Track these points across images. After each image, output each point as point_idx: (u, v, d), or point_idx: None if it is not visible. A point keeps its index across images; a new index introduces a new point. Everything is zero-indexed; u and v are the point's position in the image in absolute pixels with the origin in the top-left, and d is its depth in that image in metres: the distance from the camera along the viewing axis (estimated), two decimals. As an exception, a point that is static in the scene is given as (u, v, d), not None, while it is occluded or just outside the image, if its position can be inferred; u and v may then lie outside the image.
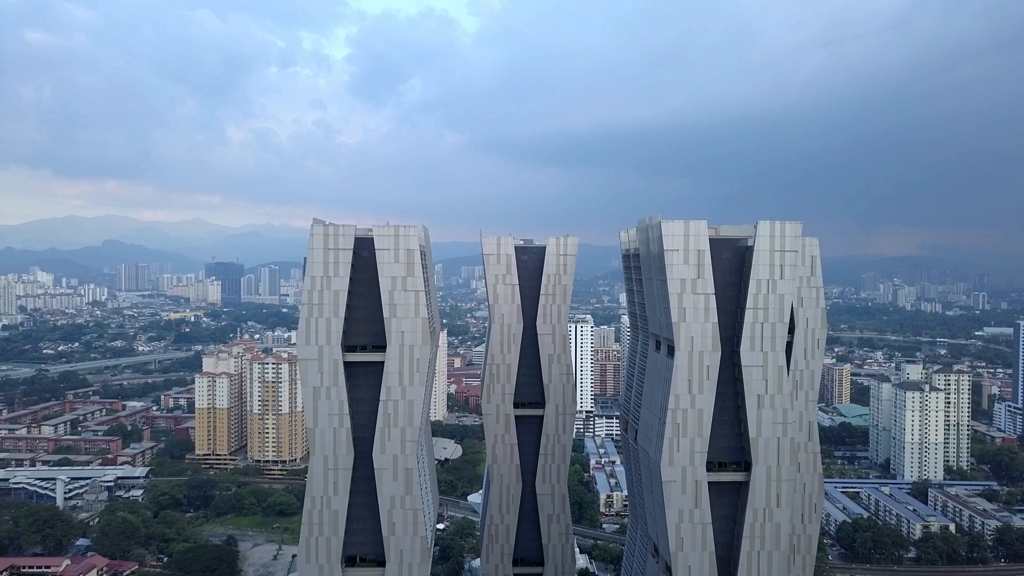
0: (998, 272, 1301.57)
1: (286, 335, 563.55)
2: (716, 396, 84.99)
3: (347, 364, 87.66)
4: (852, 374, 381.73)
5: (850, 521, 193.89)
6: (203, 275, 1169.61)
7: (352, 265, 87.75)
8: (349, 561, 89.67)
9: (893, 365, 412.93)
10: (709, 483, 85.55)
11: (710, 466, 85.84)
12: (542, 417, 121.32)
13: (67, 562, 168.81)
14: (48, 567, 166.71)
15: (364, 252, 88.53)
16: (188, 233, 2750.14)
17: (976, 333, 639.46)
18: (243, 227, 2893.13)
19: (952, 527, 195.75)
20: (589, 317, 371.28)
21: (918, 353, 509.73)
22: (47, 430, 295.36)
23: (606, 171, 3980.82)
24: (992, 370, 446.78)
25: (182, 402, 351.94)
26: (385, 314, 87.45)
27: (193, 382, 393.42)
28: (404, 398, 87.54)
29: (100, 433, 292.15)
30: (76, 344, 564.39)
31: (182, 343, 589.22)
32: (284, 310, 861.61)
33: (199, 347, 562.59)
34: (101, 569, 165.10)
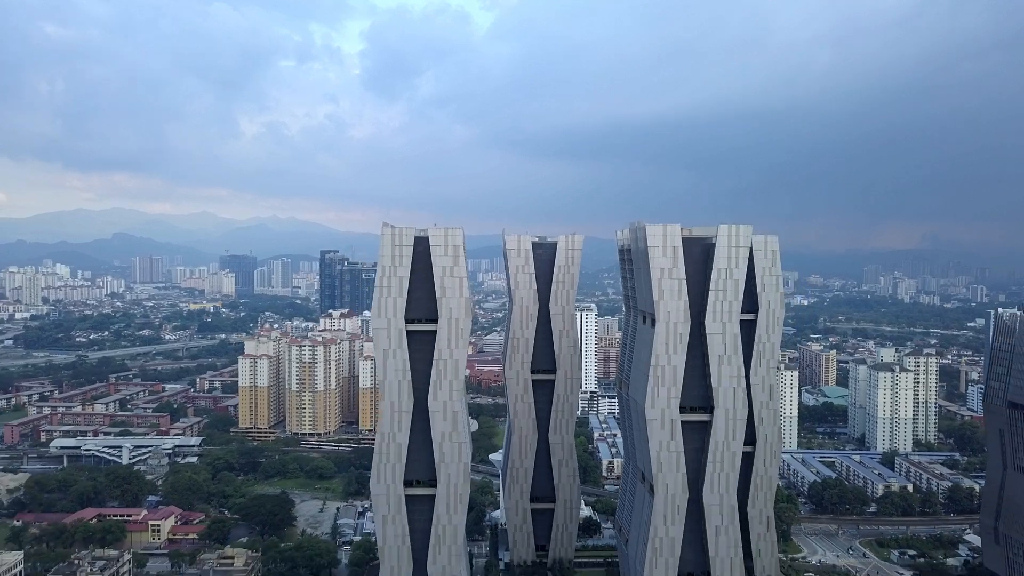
0: (1000, 266, 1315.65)
1: (304, 325, 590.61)
2: (687, 356, 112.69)
3: (408, 332, 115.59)
4: (839, 360, 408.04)
5: (820, 481, 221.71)
6: (217, 267, 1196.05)
7: (412, 257, 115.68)
8: (408, 483, 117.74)
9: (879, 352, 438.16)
10: (682, 422, 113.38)
11: (682, 409, 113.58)
12: (554, 381, 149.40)
13: (145, 511, 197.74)
14: (129, 515, 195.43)
15: (420, 248, 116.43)
16: (196, 226, 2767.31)
17: (968, 324, 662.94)
18: (249, 220, 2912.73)
19: (911, 487, 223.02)
20: (593, 306, 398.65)
21: (909, 342, 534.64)
22: (99, 407, 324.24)
23: (616, 165, 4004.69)
24: (977, 358, 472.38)
25: (216, 384, 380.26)
26: (437, 294, 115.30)
27: (223, 367, 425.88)
28: (451, 358, 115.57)
29: (149, 410, 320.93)
30: (106, 333, 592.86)
31: (206, 332, 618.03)
32: (297, 301, 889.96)
33: (222, 335, 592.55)
34: (177, 516, 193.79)
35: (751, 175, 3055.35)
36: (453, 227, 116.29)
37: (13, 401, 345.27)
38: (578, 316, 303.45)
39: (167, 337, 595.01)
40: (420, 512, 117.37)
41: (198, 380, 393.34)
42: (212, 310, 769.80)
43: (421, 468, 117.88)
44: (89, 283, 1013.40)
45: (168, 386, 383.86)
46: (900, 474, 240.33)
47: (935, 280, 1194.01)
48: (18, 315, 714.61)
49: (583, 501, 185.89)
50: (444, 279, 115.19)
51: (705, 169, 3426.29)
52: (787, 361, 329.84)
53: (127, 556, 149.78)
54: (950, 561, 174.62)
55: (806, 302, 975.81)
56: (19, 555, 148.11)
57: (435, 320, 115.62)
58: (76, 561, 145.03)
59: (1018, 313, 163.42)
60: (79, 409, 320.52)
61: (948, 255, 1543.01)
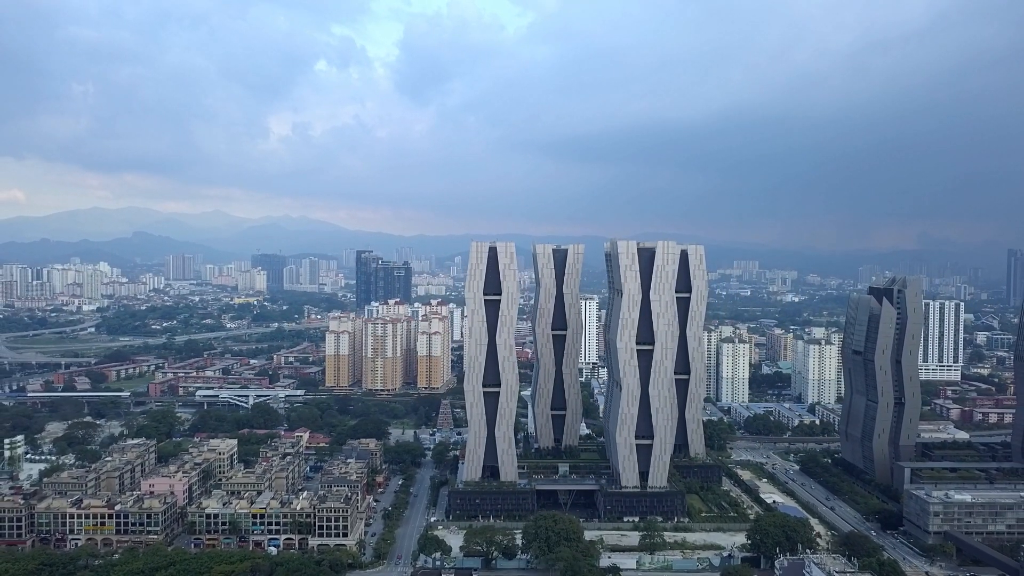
0: (994, 266, 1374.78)
1: (351, 315, 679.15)
2: (639, 314, 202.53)
3: (485, 300, 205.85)
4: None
5: (752, 416, 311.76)
6: (246, 265, 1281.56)
7: (487, 259, 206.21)
8: (485, 385, 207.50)
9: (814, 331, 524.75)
10: (637, 350, 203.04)
11: (638, 342, 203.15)
12: (565, 335, 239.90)
13: (283, 432, 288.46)
14: (271, 435, 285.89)
15: (491, 253, 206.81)
16: (208, 224, 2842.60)
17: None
18: (262, 219, 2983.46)
19: (818, 421, 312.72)
20: (595, 296, 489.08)
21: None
22: (209, 373, 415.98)
23: (641, 168, 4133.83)
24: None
25: (292, 359, 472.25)
26: (500, 279, 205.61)
27: (290, 347, 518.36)
28: (508, 314, 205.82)
29: (250, 375, 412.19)
30: (174, 321, 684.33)
31: (260, 321, 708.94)
32: (326, 296, 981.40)
33: (275, 324, 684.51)
34: (308, 433, 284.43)
35: (762, 180, 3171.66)
36: (510, 242, 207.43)
37: (136, 370, 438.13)
38: (583, 304, 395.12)
39: (228, 325, 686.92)
40: (491, 402, 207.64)
41: (275, 356, 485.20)
42: (257, 303, 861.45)
43: (492, 376, 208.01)
44: (129, 280, 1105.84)
45: (251, 361, 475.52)
46: (817, 416, 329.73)
47: (928, 279, 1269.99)
48: (85, 307, 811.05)
49: (584, 424, 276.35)
50: (504, 271, 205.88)
51: (724, 173, 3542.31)
52: (750, 340, 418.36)
53: (301, 442, 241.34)
54: (825, 460, 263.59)
55: (796, 299, 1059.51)
56: (234, 442, 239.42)
57: (499, 293, 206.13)
58: (271, 441, 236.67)
59: (859, 296, 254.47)
60: (195, 374, 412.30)
61: (945, 255, 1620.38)
